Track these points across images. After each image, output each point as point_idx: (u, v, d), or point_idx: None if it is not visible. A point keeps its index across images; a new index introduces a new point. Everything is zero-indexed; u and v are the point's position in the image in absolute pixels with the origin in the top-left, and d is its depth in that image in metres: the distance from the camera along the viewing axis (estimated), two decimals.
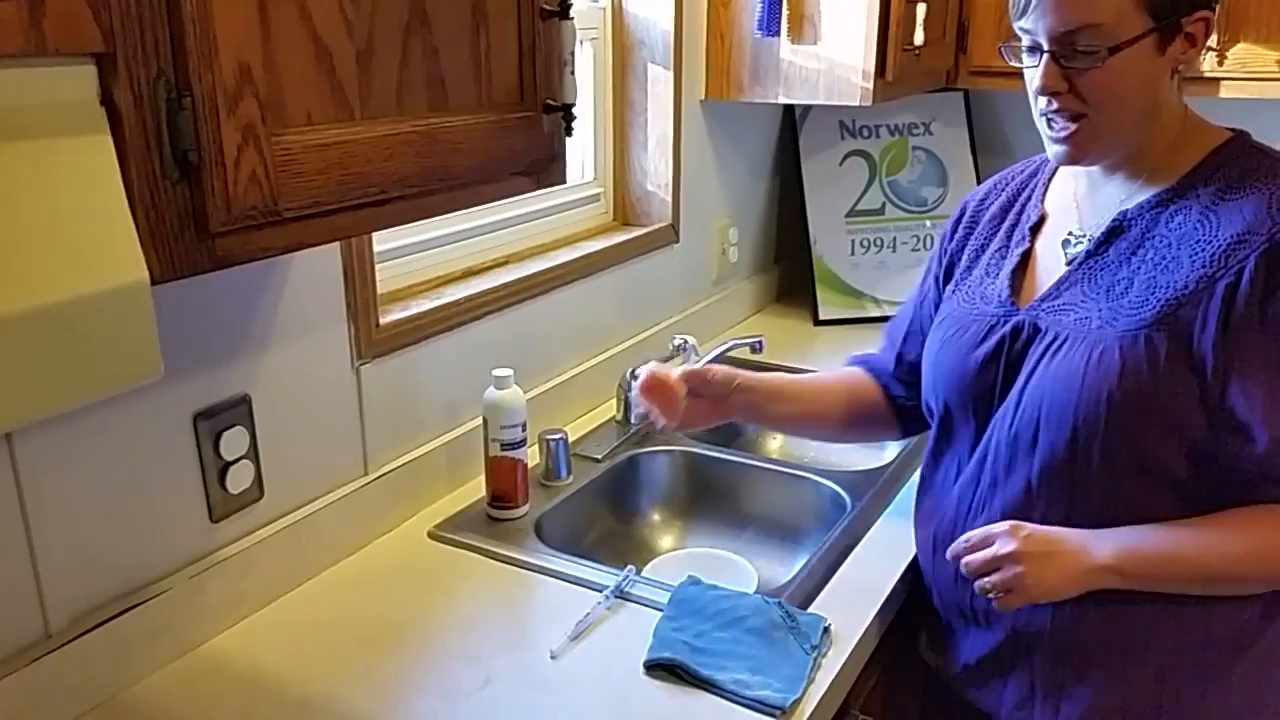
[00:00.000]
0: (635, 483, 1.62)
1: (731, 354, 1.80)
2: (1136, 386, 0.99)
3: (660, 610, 1.17)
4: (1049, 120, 1.04)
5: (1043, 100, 1.03)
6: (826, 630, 1.13)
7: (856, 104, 1.79)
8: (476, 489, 1.45)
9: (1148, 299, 1.01)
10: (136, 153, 0.65)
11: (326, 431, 1.27)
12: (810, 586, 1.24)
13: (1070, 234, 1.11)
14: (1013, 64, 1.07)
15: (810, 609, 1.18)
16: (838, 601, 1.20)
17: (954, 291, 1.22)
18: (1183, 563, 1.02)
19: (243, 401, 1.14)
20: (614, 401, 1.70)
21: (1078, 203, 1.13)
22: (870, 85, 1.77)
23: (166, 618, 1.08)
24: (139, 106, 0.64)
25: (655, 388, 1.24)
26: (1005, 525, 1.05)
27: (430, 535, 1.35)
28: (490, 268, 1.60)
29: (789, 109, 2.26)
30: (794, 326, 2.23)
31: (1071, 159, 1.06)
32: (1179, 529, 1.02)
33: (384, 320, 1.33)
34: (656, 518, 1.62)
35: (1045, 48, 1.00)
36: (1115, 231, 1.07)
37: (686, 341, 1.78)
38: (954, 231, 1.27)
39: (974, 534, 1.07)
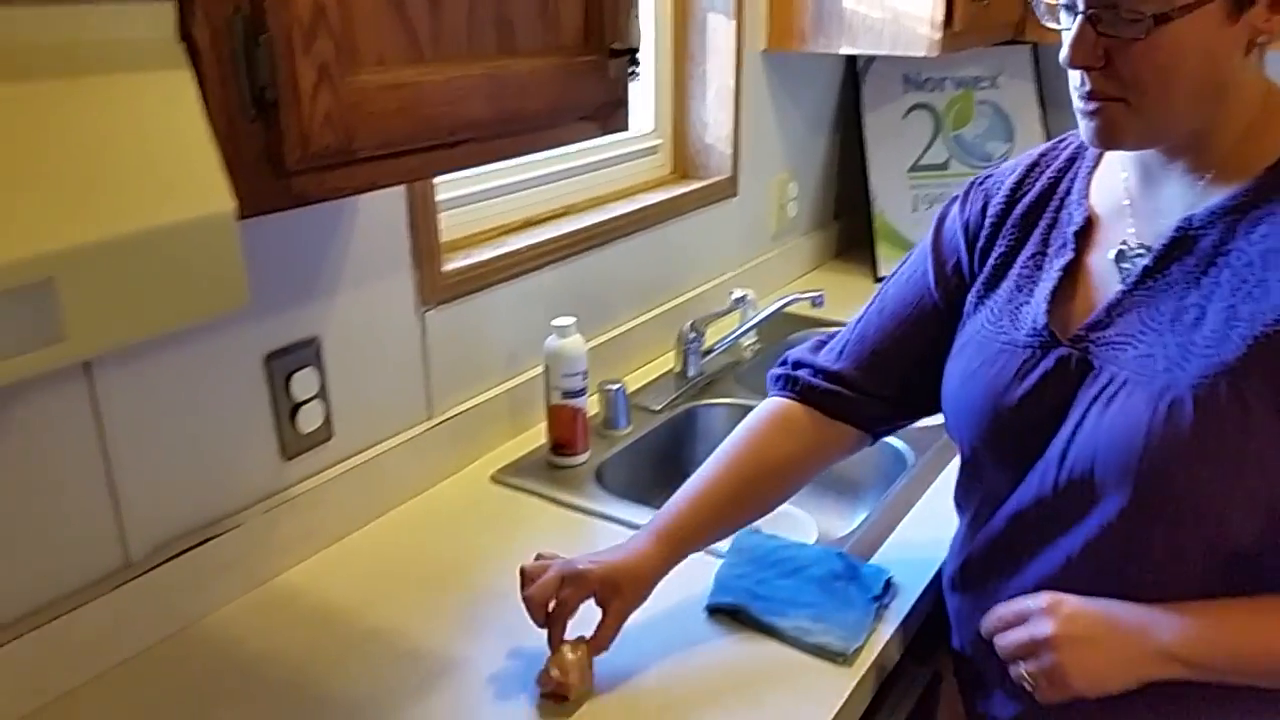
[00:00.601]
0: (693, 434, 1.63)
1: (790, 309, 1.80)
2: (1218, 448, 0.79)
3: (721, 558, 1.18)
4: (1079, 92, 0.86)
5: (1075, 75, 0.84)
6: (889, 582, 1.12)
7: (923, 55, 1.75)
8: (537, 436, 1.47)
9: (1227, 334, 0.80)
10: (214, 90, 0.66)
11: (392, 375, 1.29)
12: (871, 539, 1.24)
13: (1125, 244, 0.90)
14: (1047, 25, 0.86)
15: (871, 562, 1.18)
16: (900, 555, 1.20)
17: (976, 307, 1.00)
18: (1273, 652, 0.83)
19: (312, 343, 1.17)
20: (672, 354, 1.71)
21: (1131, 200, 0.92)
22: (938, 35, 1.73)
23: (240, 551, 1.12)
24: (216, 44, 0.66)
25: (576, 668, 0.96)
26: (1043, 600, 0.87)
27: (493, 479, 1.38)
28: (549, 218, 1.61)
29: (850, 61, 2.22)
30: (853, 284, 2.21)
31: (1103, 142, 0.86)
32: (1267, 607, 0.83)
33: (447, 268, 1.35)
34: None
35: (1080, 8, 0.81)
36: (1180, 243, 0.86)
37: (746, 295, 1.78)
38: (973, 225, 1.03)
39: (1007, 609, 0.90)
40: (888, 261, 2.22)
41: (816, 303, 1.77)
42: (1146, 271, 0.87)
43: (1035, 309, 0.93)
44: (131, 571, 1.03)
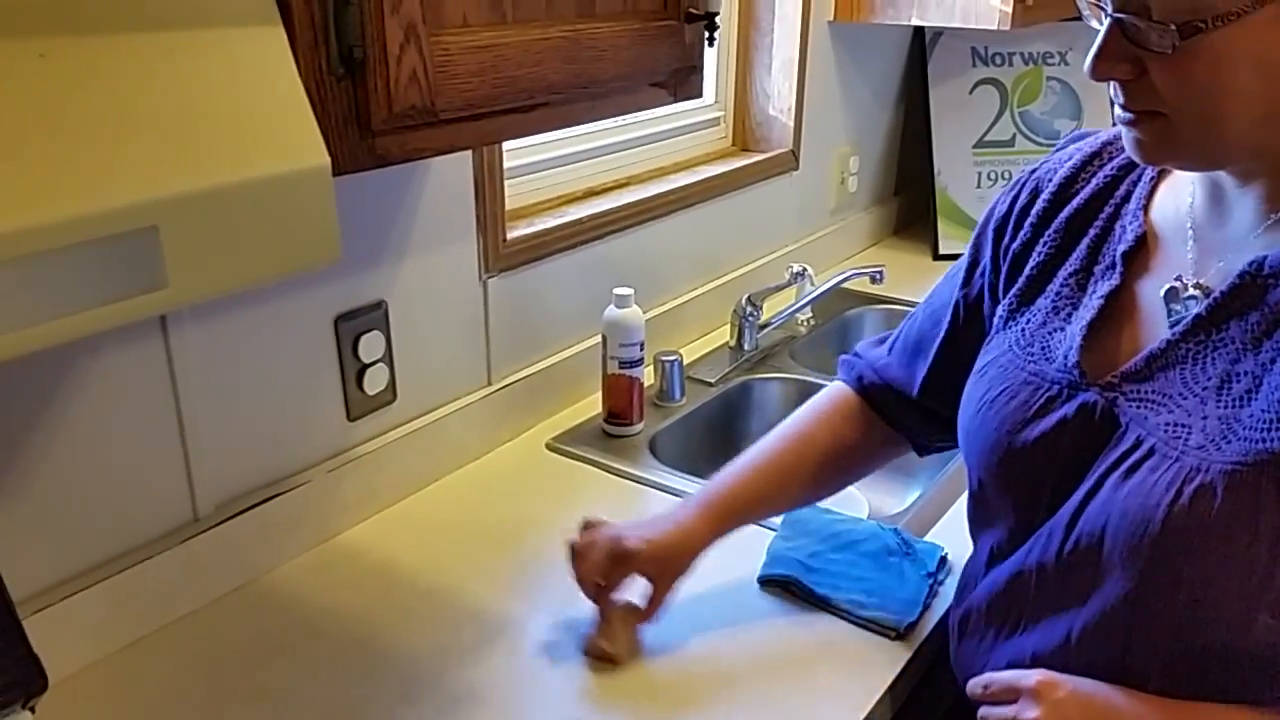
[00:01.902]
0: (747, 407, 1.63)
1: (847, 285, 1.78)
2: (1245, 546, 0.68)
3: (773, 530, 1.18)
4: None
5: (1113, 86, 0.72)
6: (944, 559, 1.12)
7: (994, 28, 1.72)
8: (593, 405, 1.47)
9: None
10: (305, 47, 0.66)
11: (454, 341, 1.30)
12: (925, 518, 1.24)
13: (1180, 280, 0.77)
14: (1090, 24, 0.72)
15: (925, 539, 1.17)
16: (954, 534, 1.19)
17: (1007, 323, 0.88)
18: None
19: (380, 307, 1.18)
20: (728, 327, 1.70)
21: (1193, 225, 0.78)
22: (1009, 9, 1.69)
23: (305, 509, 1.14)
24: (308, 1, 0.66)
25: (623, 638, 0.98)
26: (1034, 678, 0.78)
27: (548, 446, 1.39)
28: (611, 189, 1.60)
29: (918, 33, 2.18)
30: (912, 261, 2.18)
31: (1147, 158, 0.74)
32: None
33: (510, 236, 1.35)
34: None
35: (1108, 10, 0.68)
36: (1243, 291, 0.72)
37: (803, 270, 1.76)
38: (1013, 219, 0.90)
39: (996, 680, 0.81)
40: (949, 239, 2.19)
41: (876, 279, 1.75)
42: (1199, 321, 0.74)
43: (1070, 341, 0.81)
44: (199, 526, 1.05)
